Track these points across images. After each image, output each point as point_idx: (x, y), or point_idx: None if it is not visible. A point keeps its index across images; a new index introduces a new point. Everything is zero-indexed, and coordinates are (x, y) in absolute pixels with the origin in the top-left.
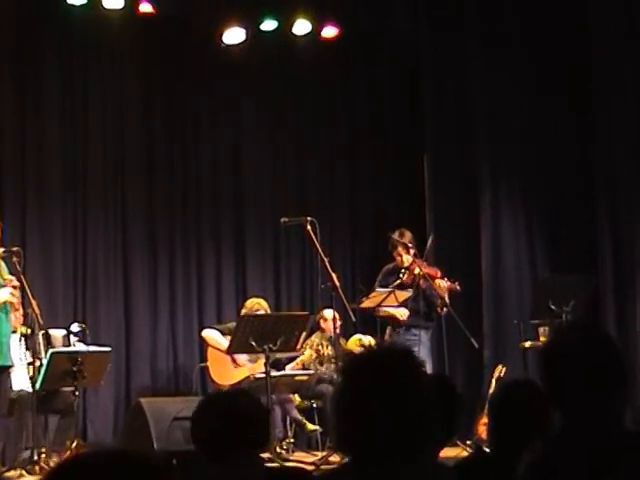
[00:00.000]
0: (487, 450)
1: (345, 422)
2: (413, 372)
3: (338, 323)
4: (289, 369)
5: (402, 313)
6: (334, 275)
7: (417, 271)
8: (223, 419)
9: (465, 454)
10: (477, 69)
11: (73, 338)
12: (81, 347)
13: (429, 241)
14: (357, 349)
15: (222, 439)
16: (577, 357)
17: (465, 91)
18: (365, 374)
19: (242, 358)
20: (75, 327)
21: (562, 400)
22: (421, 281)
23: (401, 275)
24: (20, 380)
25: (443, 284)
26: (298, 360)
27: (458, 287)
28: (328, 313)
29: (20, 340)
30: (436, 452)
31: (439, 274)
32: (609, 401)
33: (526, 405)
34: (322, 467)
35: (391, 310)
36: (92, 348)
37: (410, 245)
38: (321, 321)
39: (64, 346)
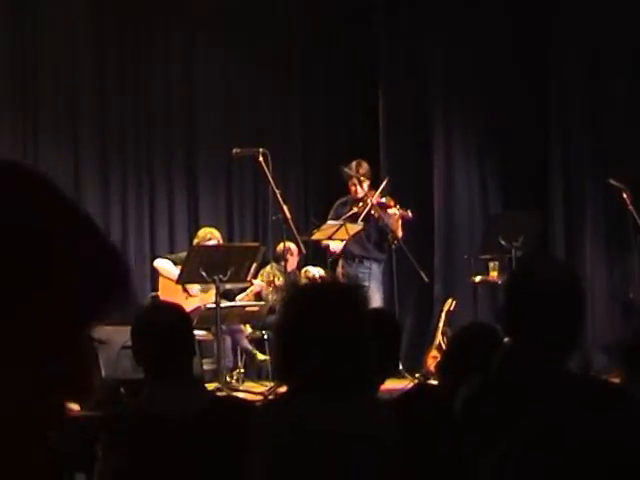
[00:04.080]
0: (433, 382)
1: (282, 351)
2: (354, 307)
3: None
4: (239, 300)
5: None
6: (285, 207)
7: (370, 201)
8: (153, 334)
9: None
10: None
11: None
12: None
13: (384, 183)
14: (303, 280)
15: (156, 355)
16: (545, 285)
17: (420, 24)
18: (306, 306)
19: (194, 288)
20: None
21: (518, 328)
22: (373, 211)
23: (354, 206)
24: None
25: (395, 211)
26: (248, 291)
27: (410, 214)
28: (294, 247)
29: None
30: (376, 386)
31: (392, 203)
32: (564, 334)
33: (481, 345)
34: (270, 397)
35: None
36: None
37: (365, 177)
38: (287, 254)
39: None
